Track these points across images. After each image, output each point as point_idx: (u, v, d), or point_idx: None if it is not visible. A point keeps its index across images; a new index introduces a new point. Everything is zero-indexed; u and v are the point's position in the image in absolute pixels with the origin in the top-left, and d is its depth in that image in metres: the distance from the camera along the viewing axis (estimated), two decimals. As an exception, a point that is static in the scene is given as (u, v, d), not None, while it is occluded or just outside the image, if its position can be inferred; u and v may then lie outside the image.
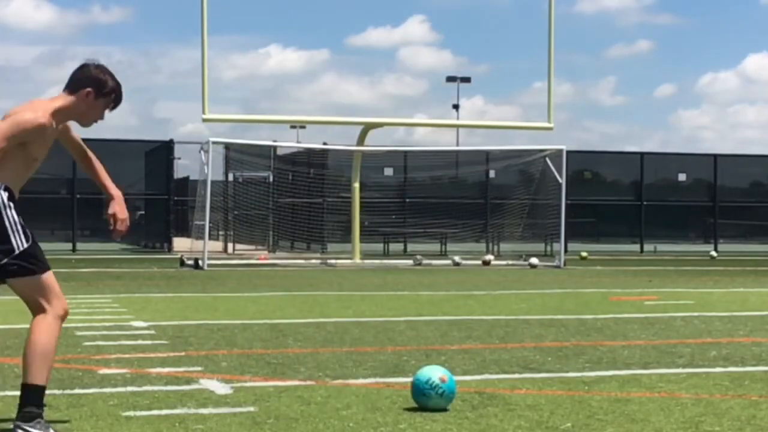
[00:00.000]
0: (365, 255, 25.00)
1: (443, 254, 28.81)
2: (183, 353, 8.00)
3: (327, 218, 29.83)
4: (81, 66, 5.31)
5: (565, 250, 24.50)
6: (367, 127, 24.61)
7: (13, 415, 5.54)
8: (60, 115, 5.23)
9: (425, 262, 24.11)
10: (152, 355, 7.80)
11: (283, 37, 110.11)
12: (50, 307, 5.09)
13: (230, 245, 30.97)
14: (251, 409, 5.77)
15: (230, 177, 31.27)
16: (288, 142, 37.17)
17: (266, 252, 28.10)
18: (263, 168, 30.94)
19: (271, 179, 31.00)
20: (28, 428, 4.96)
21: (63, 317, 5.16)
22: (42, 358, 5.03)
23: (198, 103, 22.39)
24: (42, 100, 5.30)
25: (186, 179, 36.13)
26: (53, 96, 5.34)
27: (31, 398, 5.04)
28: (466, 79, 58.99)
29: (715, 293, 15.37)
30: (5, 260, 4.99)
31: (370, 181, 30.04)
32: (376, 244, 29.30)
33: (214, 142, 23.35)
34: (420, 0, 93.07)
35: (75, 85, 5.28)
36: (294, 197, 30.12)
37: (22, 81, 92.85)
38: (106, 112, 5.35)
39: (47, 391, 6.24)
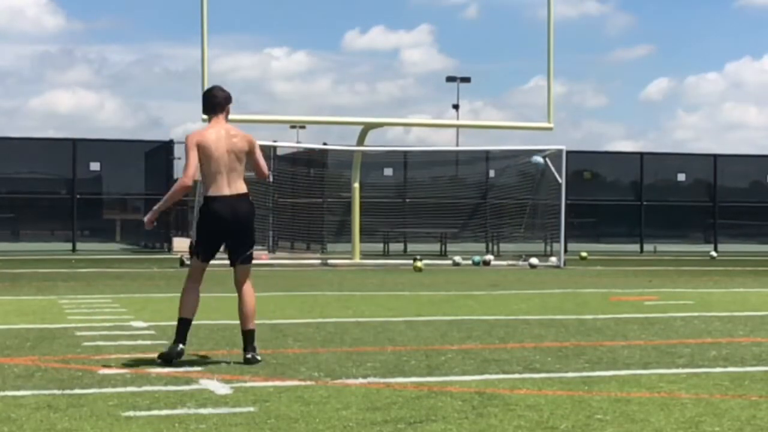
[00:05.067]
0: (365, 255, 24.99)
1: (443, 254, 28.80)
2: (183, 353, 7.99)
3: (327, 218, 29.80)
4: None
5: (565, 250, 24.46)
6: (367, 128, 24.58)
7: (14, 415, 5.56)
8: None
9: (425, 262, 24.07)
10: (152, 355, 7.79)
11: (283, 38, 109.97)
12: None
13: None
14: (251, 409, 5.77)
15: (230, 177, 31.15)
16: (288, 142, 37.11)
17: (266, 252, 28.07)
18: (263, 168, 30.88)
19: (271, 179, 30.98)
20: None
21: None
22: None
23: (197, 103, 22.22)
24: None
25: (186, 180, 36.06)
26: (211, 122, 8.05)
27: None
28: (466, 79, 58.82)
29: (715, 293, 15.36)
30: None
31: (370, 181, 29.99)
32: (376, 244, 29.27)
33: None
34: (420, 1, 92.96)
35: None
36: (294, 197, 30.10)
37: (22, 81, 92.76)
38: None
39: (47, 392, 6.27)
